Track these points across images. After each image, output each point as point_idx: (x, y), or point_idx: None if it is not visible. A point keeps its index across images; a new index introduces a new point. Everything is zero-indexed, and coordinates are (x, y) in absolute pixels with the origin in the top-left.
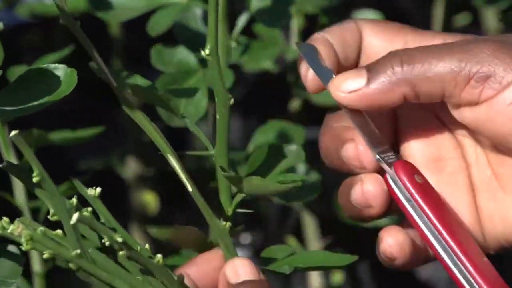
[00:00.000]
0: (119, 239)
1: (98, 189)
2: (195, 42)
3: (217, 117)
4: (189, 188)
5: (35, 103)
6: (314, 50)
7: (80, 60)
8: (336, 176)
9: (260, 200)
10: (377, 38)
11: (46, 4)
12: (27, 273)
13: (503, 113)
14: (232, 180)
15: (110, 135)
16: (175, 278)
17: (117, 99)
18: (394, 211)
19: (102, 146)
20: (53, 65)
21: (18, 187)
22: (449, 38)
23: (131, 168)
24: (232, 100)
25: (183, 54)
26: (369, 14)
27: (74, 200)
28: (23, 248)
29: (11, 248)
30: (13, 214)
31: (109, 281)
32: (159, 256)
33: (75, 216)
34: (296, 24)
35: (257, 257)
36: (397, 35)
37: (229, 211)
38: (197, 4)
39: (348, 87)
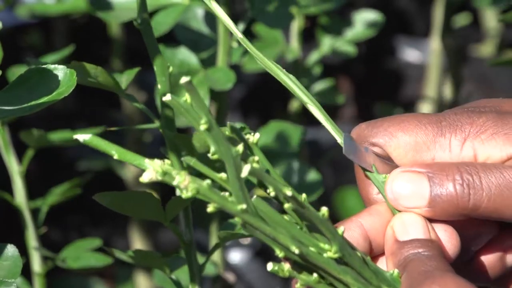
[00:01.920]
0: (289, 193)
1: (257, 135)
2: (197, 42)
3: (158, 86)
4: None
5: (34, 103)
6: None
7: (80, 60)
8: (336, 176)
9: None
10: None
11: (46, 4)
12: (27, 273)
13: None
14: (180, 138)
15: (110, 135)
16: (339, 232)
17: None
18: None
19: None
20: (52, 66)
21: (18, 187)
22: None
23: (130, 168)
24: (171, 69)
25: (184, 54)
26: (369, 14)
27: (241, 147)
28: (185, 196)
29: (11, 248)
30: (13, 214)
31: (273, 235)
32: (324, 209)
33: (246, 169)
34: (296, 24)
35: (257, 257)
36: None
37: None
38: (198, 4)
39: (408, 203)
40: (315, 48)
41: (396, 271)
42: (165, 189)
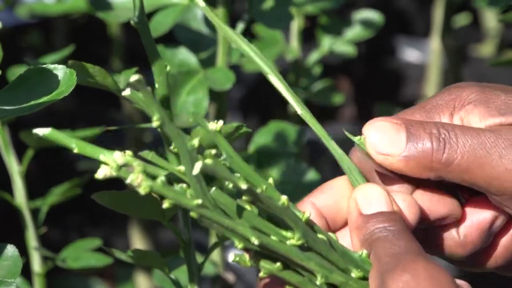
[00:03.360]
0: (244, 186)
1: (220, 122)
2: (196, 42)
3: (156, 85)
4: None
5: (34, 102)
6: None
7: (80, 60)
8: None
9: None
10: None
11: (46, 4)
12: (27, 273)
13: None
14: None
15: (110, 135)
16: (301, 217)
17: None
18: None
19: (102, 146)
20: (52, 66)
21: (18, 187)
22: None
23: None
24: (168, 68)
25: (184, 54)
26: (369, 14)
27: (196, 141)
28: (141, 192)
29: (11, 248)
30: (13, 214)
31: (232, 227)
32: (284, 198)
33: (198, 165)
34: (296, 24)
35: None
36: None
37: None
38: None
39: (384, 149)
40: (315, 48)
41: (364, 252)
42: None
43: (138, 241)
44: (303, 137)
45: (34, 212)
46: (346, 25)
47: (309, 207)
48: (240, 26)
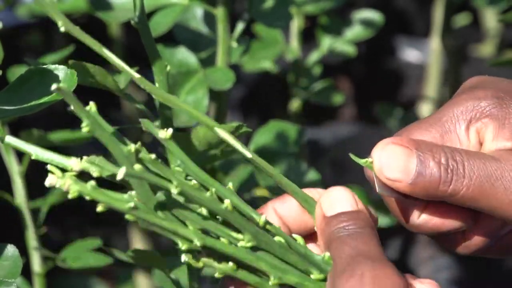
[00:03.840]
0: (175, 190)
1: (170, 130)
2: (196, 42)
3: (156, 84)
4: None
5: (35, 103)
6: None
7: (80, 60)
8: (336, 176)
9: (260, 200)
10: None
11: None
12: (27, 273)
13: None
14: (178, 136)
15: None
16: (258, 220)
17: (117, 99)
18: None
19: (102, 146)
20: (53, 66)
21: (18, 187)
22: None
23: None
24: (168, 68)
25: (183, 54)
26: (369, 14)
27: (132, 146)
28: (71, 196)
29: (11, 248)
30: (13, 214)
31: (172, 228)
32: (227, 202)
33: (122, 172)
34: (296, 24)
35: None
36: None
37: None
38: (197, 4)
39: (392, 175)
40: (315, 48)
41: (327, 254)
42: None
43: (138, 241)
44: (303, 137)
45: (34, 212)
46: (346, 25)
47: (271, 212)
48: (240, 26)
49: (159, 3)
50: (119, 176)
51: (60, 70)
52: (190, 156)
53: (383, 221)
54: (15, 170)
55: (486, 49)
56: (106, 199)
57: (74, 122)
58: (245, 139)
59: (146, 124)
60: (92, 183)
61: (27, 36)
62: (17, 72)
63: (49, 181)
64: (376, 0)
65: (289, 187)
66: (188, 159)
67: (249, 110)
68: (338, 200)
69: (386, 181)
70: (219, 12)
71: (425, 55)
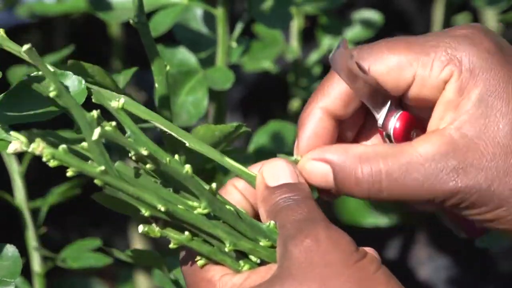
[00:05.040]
0: (145, 152)
1: (122, 100)
2: (196, 42)
3: (156, 85)
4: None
5: (40, 111)
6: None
7: (80, 60)
8: None
9: None
10: None
11: (46, 4)
12: (27, 273)
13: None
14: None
15: None
16: (206, 187)
17: None
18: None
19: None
20: (60, 72)
21: (18, 187)
22: None
23: None
24: (168, 68)
25: (183, 54)
26: (369, 14)
27: (95, 112)
28: (50, 165)
29: (11, 248)
30: (13, 214)
31: (137, 195)
32: (187, 166)
33: (97, 130)
34: (296, 24)
35: None
36: None
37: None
38: (197, 5)
39: (317, 185)
40: (315, 48)
41: (272, 222)
42: None
43: (138, 241)
44: None
45: (34, 212)
46: (346, 25)
47: (234, 190)
48: (240, 26)
49: (159, 3)
50: (95, 136)
51: (68, 79)
52: (190, 156)
53: (383, 221)
54: (15, 170)
55: None
56: (77, 164)
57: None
58: (245, 139)
59: (96, 95)
60: (64, 146)
61: (27, 36)
62: (17, 72)
63: (13, 147)
64: (376, 0)
65: (233, 167)
66: (139, 130)
67: (249, 110)
68: (281, 171)
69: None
70: (219, 12)
71: None
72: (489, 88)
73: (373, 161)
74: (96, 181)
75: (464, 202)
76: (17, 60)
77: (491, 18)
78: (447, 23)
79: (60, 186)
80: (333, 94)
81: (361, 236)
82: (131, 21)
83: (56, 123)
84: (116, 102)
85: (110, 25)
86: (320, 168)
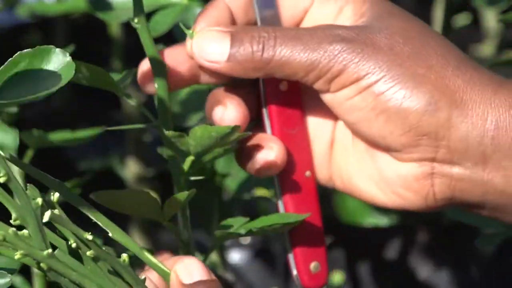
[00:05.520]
0: (89, 237)
1: (57, 195)
2: None
3: (155, 85)
4: None
5: (32, 96)
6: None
7: (80, 60)
8: None
9: (260, 200)
10: None
11: (46, 4)
12: (27, 273)
13: (343, 107)
14: (175, 136)
15: (110, 135)
16: (141, 278)
17: (117, 99)
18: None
19: (102, 146)
20: (42, 48)
21: None
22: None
23: (130, 168)
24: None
25: None
26: None
27: (40, 200)
28: None
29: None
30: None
31: (78, 281)
32: (124, 255)
33: (47, 214)
34: None
35: (257, 257)
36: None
37: (181, 181)
38: (197, 5)
39: (209, 57)
40: None
41: None
42: (165, 188)
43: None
44: None
45: None
46: None
47: (148, 282)
48: None
49: (159, 3)
50: (45, 219)
51: (58, 55)
52: (189, 157)
53: (383, 221)
54: (15, 170)
55: (486, 49)
56: (25, 247)
57: (74, 122)
58: None
59: (31, 190)
60: (13, 229)
61: (27, 36)
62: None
63: None
64: None
65: (149, 262)
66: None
67: None
68: (195, 269)
69: (207, 65)
70: None
71: None
72: (382, 7)
73: (267, 27)
74: (41, 264)
75: (348, 65)
76: None
77: (491, 18)
78: (447, 23)
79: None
80: None
81: (361, 236)
82: (131, 21)
83: (56, 123)
84: (52, 196)
85: (110, 25)
86: (217, 35)
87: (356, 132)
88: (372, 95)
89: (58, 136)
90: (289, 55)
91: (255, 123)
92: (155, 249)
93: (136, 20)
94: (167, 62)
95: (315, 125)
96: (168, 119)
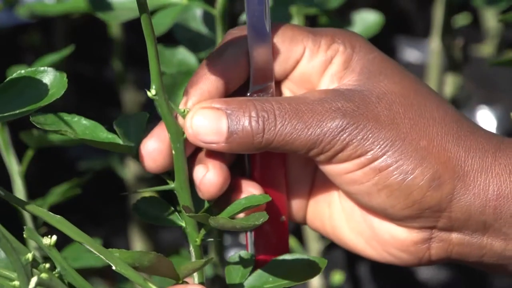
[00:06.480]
0: None
1: (54, 238)
2: (195, 42)
3: (173, 152)
4: None
5: (24, 109)
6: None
7: (80, 60)
8: None
9: None
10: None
11: (46, 4)
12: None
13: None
14: (197, 218)
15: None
16: None
17: (116, 98)
18: None
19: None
20: (42, 69)
21: (18, 187)
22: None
23: (130, 168)
24: (185, 135)
25: (183, 54)
26: (369, 14)
27: (30, 255)
28: None
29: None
30: (13, 214)
31: None
32: None
33: (34, 280)
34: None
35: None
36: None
37: (197, 241)
38: (197, 4)
39: (206, 139)
40: None
41: None
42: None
43: (138, 242)
44: None
45: None
46: (346, 25)
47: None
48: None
49: (159, 3)
50: (32, 285)
51: (49, 73)
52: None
53: None
54: (15, 170)
55: (486, 49)
56: None
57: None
58: None
59: (28, 232)
60: None
61: (27, 36)
62: (17, 72)
63: None
64: (376, 0)
65: None
66: (69, 266)
67: None
68: None
69: (203, 146)
70: (218, 12)
71: (425, 55)
72: (370, 60)
73: (264, 101)
74: None
75: (352, 142)
76: (17, 60)
77: (491, 18)
78: (447, 23)
79: (60, 186)
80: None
81: None
82: (149, 94)
83: None
84: (48, 239)
85: (110, 25)
86: (213, 115)
87: (355, 201)
88: (375, 171)
89: (58, 136)
90: (291, 135)
91: (234, 163)
92: (155, 249)
93: (154, 93)
94: (157, 146)
95: (297, 170)
96: (185, 183)
